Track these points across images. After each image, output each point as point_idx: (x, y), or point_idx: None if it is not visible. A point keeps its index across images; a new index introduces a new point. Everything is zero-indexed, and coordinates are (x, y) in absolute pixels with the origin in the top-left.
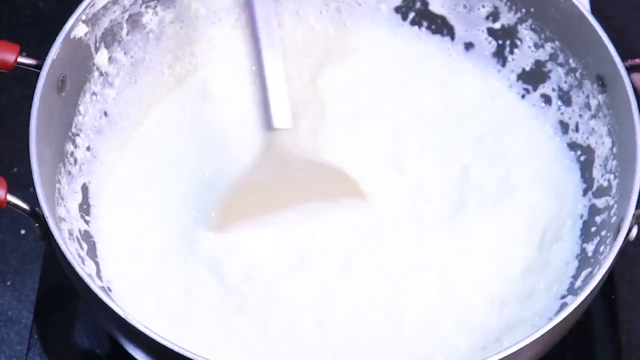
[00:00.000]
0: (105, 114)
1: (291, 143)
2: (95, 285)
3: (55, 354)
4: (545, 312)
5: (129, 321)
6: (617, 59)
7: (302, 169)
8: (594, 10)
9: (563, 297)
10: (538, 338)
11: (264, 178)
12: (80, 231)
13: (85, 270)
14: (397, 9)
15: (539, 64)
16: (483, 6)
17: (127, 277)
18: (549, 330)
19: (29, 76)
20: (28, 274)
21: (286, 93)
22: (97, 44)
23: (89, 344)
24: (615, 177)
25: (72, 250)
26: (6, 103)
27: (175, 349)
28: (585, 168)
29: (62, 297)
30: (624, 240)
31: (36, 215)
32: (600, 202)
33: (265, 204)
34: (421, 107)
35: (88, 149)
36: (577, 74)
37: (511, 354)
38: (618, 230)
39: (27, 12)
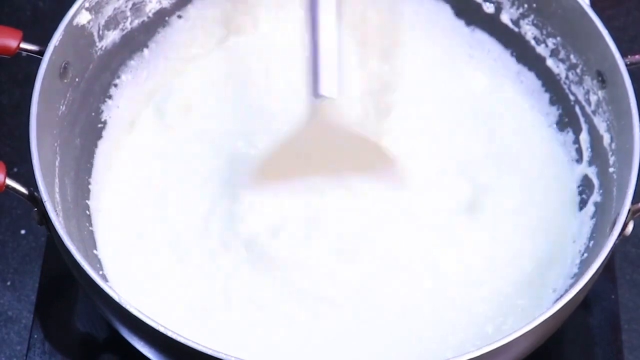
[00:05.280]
0: (110, 97)
1: (334, 113)
2: (91, 270)
3: (56, 339)
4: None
5: (123, 305)
6: (617, 55)
7: (341, 140)
8: (594, 9)
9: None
10: (532, 329)
11: (303, 144)
12: None
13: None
14: None
15: (540, 59)
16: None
17: (125, 261)
18: (540, 323)
19: (29, 76)
20: (28, 274)
21: (337, 62)
22: (100, 32)
23: (89, 329)
24: (613, 173)
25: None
26: (6, 103)
27: (170, 334)
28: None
29: (64, 283)
30: (619, 235)
31: (34, 199)
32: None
33: (300, 169)
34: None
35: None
36: (578, 70)
37: (503, 345)
38: (614, 225)
39: (27, 12)
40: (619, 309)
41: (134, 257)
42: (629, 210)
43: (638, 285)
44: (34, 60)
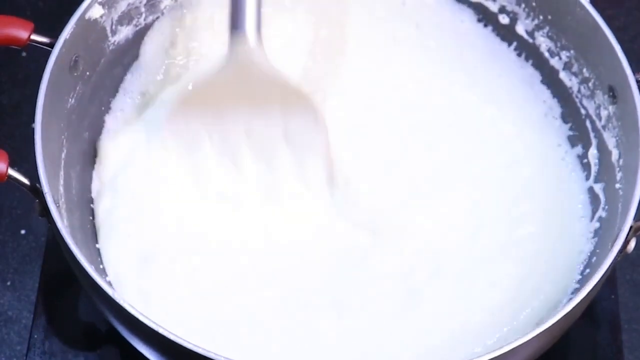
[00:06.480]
0: (121, 92)
1: (255, 54)
2: (87, 264)
3: (56, 338)
4: None
5: (117, 300)
6: (628, 71)
7: (261, 81)
8: (594, 7)
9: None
10: (525, 342)
11: (225, 82)
12: None
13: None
14: None
15: (553, 71)
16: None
17: (126, 256)
18: (535, 336)
19: (29, 76)
20: (28, 274)
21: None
22: (113, 27)
23: (92, 319)
24: (619, 189)
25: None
26: (6, 103)
27: (165, 333)
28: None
29: (64, 283)
30: (621, 252)
31: (36, 191)
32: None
33: (221, 106)
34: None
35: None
36: (590, 84)
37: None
38: (615, 242)
39: (27, 12)
40: (619, 309)
41: (135, 252)
42: (631, 227)
43: (638, 285)
44: (35, 61)
